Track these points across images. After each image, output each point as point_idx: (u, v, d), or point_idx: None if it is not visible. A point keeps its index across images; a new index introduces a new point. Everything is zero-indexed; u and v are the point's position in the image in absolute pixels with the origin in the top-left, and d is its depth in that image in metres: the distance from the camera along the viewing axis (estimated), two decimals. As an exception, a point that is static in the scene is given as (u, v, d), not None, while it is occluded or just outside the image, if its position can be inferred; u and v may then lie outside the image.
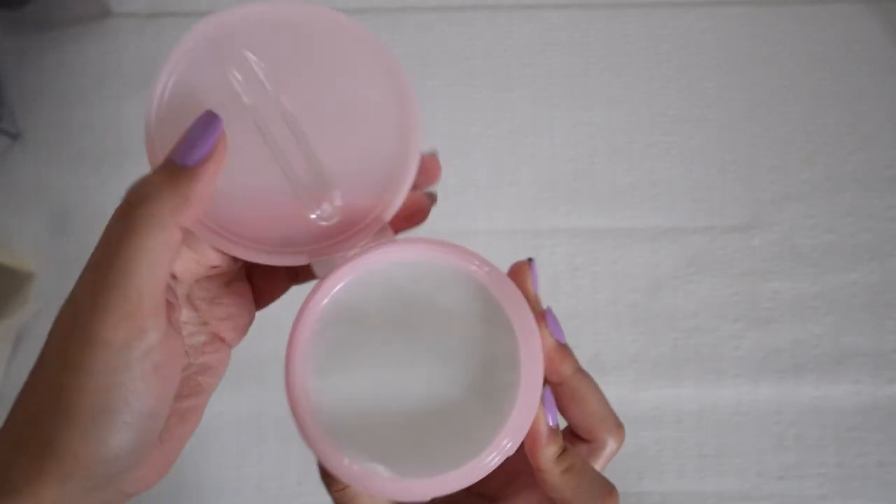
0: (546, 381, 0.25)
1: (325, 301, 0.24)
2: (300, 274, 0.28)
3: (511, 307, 0.24)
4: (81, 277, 0.22)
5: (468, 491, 0.24)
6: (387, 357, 0.24)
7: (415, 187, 0.26)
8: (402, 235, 0.26)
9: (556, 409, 0.25)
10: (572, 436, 0.27)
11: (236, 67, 0.25)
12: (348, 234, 0.25)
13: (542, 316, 0.25)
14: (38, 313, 0.56)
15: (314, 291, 0.24)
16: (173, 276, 0.25)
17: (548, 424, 0.24)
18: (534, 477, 0.25)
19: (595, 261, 0.56)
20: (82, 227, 0.58)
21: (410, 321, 0.25)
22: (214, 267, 0.26)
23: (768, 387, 0.53)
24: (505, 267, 0.25)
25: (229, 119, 0.24)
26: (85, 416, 0.21)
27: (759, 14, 0.62)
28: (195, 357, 0.27)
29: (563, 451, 0.25)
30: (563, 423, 0.26)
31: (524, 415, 0.23)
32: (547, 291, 0.56)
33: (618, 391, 0.53)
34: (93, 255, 0.22)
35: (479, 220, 0.57)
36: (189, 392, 0.26)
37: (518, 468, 0.26)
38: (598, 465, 0.27)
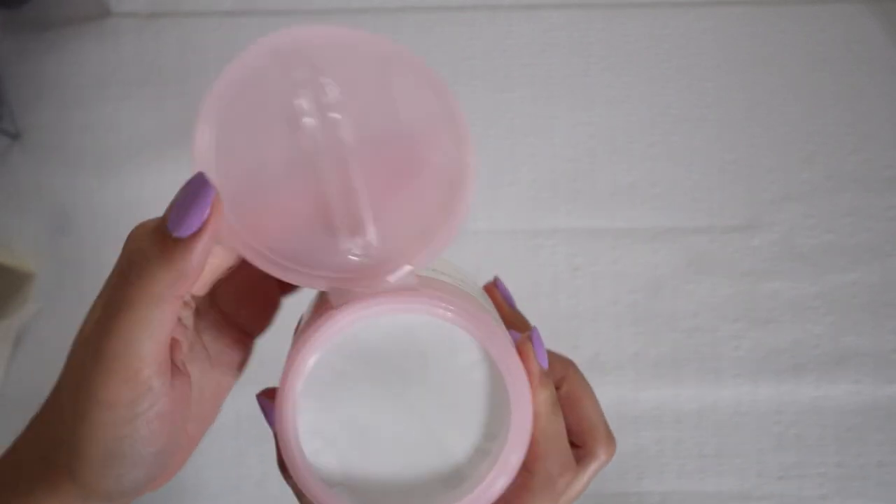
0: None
1: (332, 333, 0.24)
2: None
3: (504, 361, 0.24)
4: (83, 332, 0.23)
5: None
6: (382, 400, 0.24)
7: None
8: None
9: (545, 353, 0.26)
10: None
11: (303, 85, 0.24)
12: (373, 272, 0.25)
13: (527, 340, 0.25)
14: (38, 313, 0.56)
15: (322, 321, 0.24)
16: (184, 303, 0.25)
17: (539, 366, 0.25)
18: None
19: (595, 261, 0.56)
20: (82, 227, 0.58)
21: (407, 369, 0.24)
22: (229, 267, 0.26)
23: (768, 387, 0.53)
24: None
25: (283, 132, 0.23)
26: (97, 459, 0.22)
27: (759, 14, 0.62)
28: (217, 366, 0.27)
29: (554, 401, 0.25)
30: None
31: (515, 453, 0.24)
32: (547, 291, 0.56)
33: (618, 391, 0.53)
34: (94, 310, 0.22)
35: (479, 220, 0.57)
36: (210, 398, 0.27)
37: None
38: (585, 475, 0.27)
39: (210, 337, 0.27)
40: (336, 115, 0.24)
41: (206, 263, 0.24)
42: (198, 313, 0.27)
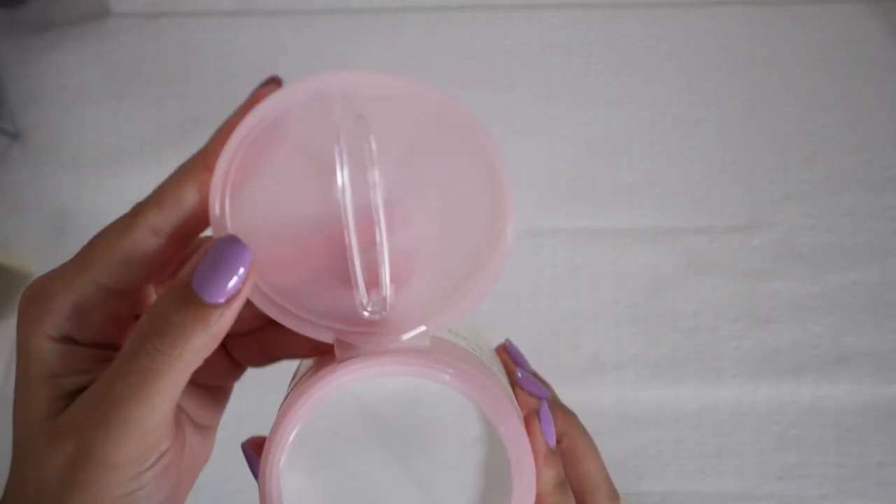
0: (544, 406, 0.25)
1: (332, 389, 0.23)
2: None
3: (510, 438, 0.23)
4: (91, 403, 0.21)
5: None
6: (379, 466, 0.23)
7: None
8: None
9: (553, 430, 0.25)
10: None
11: (341, 133, 0.22)
12: (384, 329, 0.23)
13: (535, 416, 0.25)
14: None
15: (322, 374, 0.23)
16: None
17: (546, 445, 0.24)
18: None
19: (595, 261, 0.56)
20: (82, 227, 0.58)
21: (408, 435, 0.23)
22: None
23: (768, 387, 0.53)
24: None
25: (311, 176, 0.22)
26: None
27: (759, 14, 0.62)
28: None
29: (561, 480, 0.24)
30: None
31: None
32: (547, 291, 0.56)
33: (618, 391, 0.53)
34: (105, 386, 0.21)
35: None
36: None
37: None
38: None
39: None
40: (373, 168, 0.22)
41: None
42: None
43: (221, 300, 0.20)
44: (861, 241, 0.56)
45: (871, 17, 0.61)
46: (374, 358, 0.22)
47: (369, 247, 0.22)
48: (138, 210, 0.22)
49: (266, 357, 0.27)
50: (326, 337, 0.23)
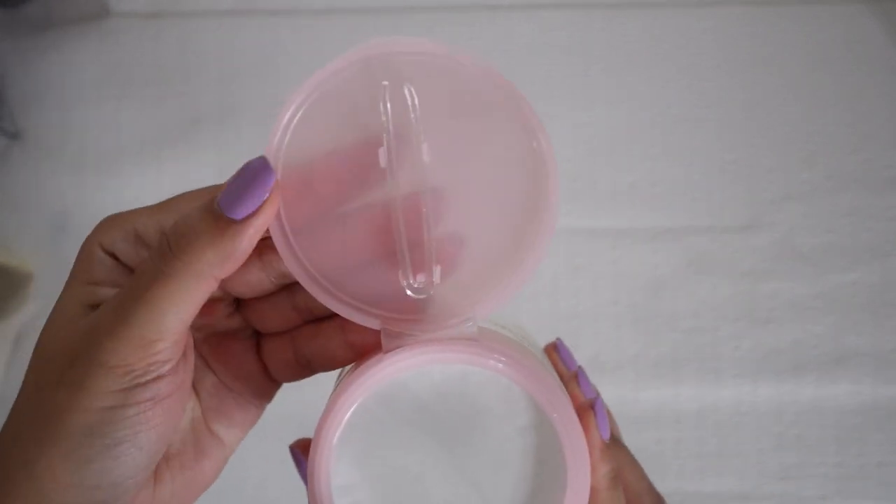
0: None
1: (380, 380, 0.22)
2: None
3: (565, 429, 0.22)
4: (106, 304, 0.22)
5: None
6: (428, 457, 0.23)
7: None
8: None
9: (608, 425, 0.24)
10: None
11: (390, 98, 0.22)
12: (432, 316, 0.23)
13: (590, 409, 0.24)
14: (38, 313, 0.56)
15: (370, 365, 0.22)
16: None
17: (601, 439, 0.23)
18: None
19: (595, 261, 0.56)
20: (82, 227, 0.57)
21: (457, 426, 0.23)
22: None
23: (768, 387, 0.53)
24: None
25: (365, 156, 0.22)
26: (71, 436, 0.21)
27: (759, 14, 0.62)
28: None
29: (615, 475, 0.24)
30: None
31: None
32: (547, 291, 0.56)
33: (618, 391, 0.53)
34: (122, 289, 0.22)
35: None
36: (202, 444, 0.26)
37: None
38: None
39: (207, 394, 0.26)
40: (418, 135, 0.22)
41: (240, 277, 0.23)
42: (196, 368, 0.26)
43: (239, 216, 0.21)
44: (861, 241, 0.56)
45: (871, 17, 0.61)
46: (422, 346, 0.22)
47: (416, 228, 0.22)
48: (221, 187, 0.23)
49: (299, 366, 0.26)
50: (373, 323, 0.23)
